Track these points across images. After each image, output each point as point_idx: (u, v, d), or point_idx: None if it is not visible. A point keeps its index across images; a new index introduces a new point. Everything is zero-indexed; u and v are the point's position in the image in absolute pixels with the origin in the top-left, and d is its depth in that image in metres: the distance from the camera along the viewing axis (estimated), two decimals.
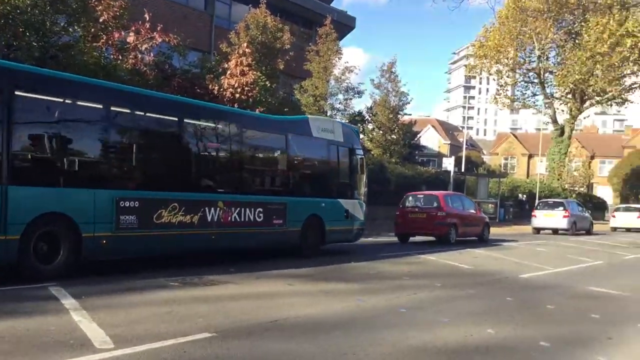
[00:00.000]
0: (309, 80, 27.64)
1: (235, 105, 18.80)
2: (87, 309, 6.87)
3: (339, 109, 28.11)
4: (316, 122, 15.18)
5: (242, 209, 12.22)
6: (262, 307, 7.62)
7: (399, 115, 42.06)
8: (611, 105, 47.42)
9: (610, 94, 43.45)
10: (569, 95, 45.04)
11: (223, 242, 11.81)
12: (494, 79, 49.79)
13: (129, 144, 10.63)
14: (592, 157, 76.22)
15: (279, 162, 13.94)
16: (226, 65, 19.23)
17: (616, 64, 40.12)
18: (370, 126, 39.79)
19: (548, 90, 46.01)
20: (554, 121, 46.62)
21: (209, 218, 11.44)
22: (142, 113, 10.80)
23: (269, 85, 20.71)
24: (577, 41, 42.11)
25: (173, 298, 7.93)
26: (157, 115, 11.09)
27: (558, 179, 46.63)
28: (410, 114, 46.29)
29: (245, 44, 19.57)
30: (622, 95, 44.91)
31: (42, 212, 8.81)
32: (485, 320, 7.63)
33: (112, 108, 10.14)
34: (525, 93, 48.06)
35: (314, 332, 6.52)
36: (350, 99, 29.63)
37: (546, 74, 45.50)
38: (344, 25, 38.50)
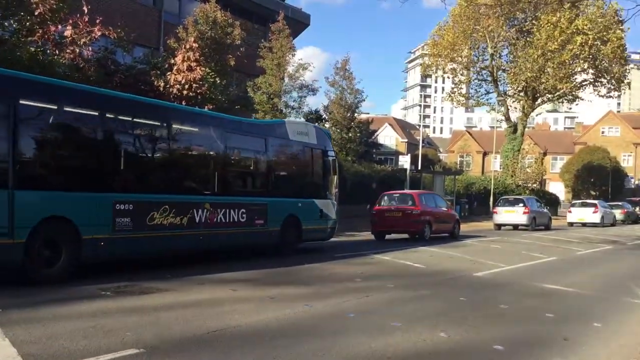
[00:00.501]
0: (262, 78, 27.04)
1: (183, 103, 18.09)
2: (2, 324, 6.20)
3: (293, 107, 27.64)
4: (292, 126, 15.81)
5: (227, 210, 12.66)
6: (200, 317, 7.07)
7: (355, 114, 41.89)
8: (562, 102, 48.33)
9: (561, 91, 44.10)
10: (522, 93, 45.55)
11: (210, 241, 12.27)
12: (448, 77, 50.07)
13: (123, 149, 10.85)
14: (545, 154, 77.52)
15: (260, 164, 14.40)
16: (173, 61, 18.49)
17: (567, 61, 40.72)
18: (327, 125, 39.48)
19: (501, 88, 46.50)
20: (507, 119, 47.10)
21: (197, 219, 11.82)
22: (132, 119, 11.10)
23: (218, 81, 20.03)
24: (528, 39, 42.57)
25: (102, 309, 7.29)
26: (147, 121, 11.46)
27: (512, 176, 47.13)
28: (367, 113, 46.41)
29: (192, 39, 18.83)
30: (573, 93, 45.65)
31: (45, 216, 8.99)
32: (438, 323, 7.27)
33: (107, 115, 10.49)
34: (479, 91, 48.44)
35: (254, 343, 6.02)
36: (305, 96, 29.20)
37: (499, 72, 45.89)
38: (299, 22, 37.99)
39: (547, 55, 40.45)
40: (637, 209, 48.72)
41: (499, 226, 29.62)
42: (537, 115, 50.84)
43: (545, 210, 32.56)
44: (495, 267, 13.54)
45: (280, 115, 27.18)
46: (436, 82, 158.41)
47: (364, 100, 38.10)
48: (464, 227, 29.44)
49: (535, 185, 54.58)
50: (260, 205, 13.68)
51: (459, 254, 16.10)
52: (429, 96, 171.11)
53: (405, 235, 20.68)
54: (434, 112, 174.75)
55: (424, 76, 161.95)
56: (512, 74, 44.00)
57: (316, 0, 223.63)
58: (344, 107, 36.00)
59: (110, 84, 17.05)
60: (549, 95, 45.68)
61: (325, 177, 16.22)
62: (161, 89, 17.81)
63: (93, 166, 10.26)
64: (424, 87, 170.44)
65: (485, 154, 77.57)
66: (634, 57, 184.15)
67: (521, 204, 29.31)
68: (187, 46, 18.49)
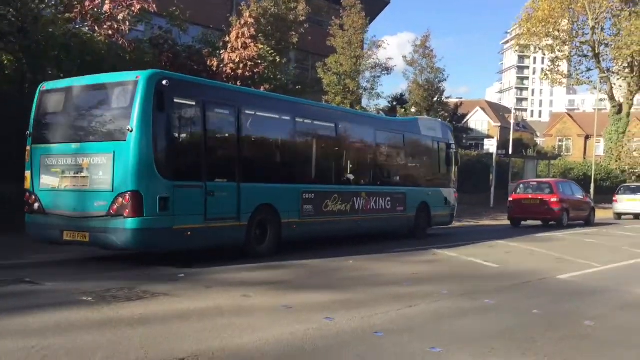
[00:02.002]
0: (333, 57, 25.36)
1: (238, 83, 16.82)
2: None
3: (365, 88, 25.71)
4: (423, 122, 17.70)
5: (377, 198, 14.50)
6: (181, 335, 5.58)
7: (437, 95, 39.25)
8: None
9: None
10: (627, 70, 41.33)
11: (364, 226, 14.09)
12: (544, 55, 46.27)
13: (308, 147, 12.96)
14: None
15: (400, 157, 16.20)
16: (227, 39, 17.21)
17: None
18: (413, 109, 37.34)
19: (604, 65, 42.39)
20: (611, 98, 42.97)
21: (356, 206, 13.70)
22: (313, 122, 13.21)
23: (278, 60, 18.60)
24: (634, 9, 38.38)
25: (66, 321, 5.96)
26: (323, 123, 13.55)
27: (616, 161, 43.00)
28: (460, 98, 43.18)
29: (247, 14, 17.45)
30: None
31: (259, 204, 10.95)
32: (495, 349, 5.46)
33: (297, 119, 12.56)
34: (579, 68, 44.50)
35: None
36: (378, 76, 27.21)
37: (601, 47, 41.87)
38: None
39: None
40: None
41: (619, 215, 28.36)
42: None
43: None
44: (585, 267, 11.32)
45: (352, 97, 25.46)
46: (534, 62, 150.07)
47: (445, 80, 35.54)
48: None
49: None
50: (400, 194, 15.44)
51: (544, 250, 13.85)
52: (527, 78, 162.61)
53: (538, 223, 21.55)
54: (532, 94, 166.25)
55: (521, 57, 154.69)
56: (616, 49, 39.96)
57: None
58: (423, 87, 33.62)
59: (160, 63, 16.03)
60: None
61: (449, 168, 17.81)
62: (214, 68, 16.57)
63: (287, 163, 12.37)
64: (521, 68, 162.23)
65: (587, 138, 71.94)
66: None
67: None
68: (242, 22, 17.12)
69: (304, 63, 29.97)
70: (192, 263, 9.87)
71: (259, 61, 17.96)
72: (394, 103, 37.11)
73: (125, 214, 8.98)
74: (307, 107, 14.14)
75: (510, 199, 22.31)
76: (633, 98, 42.79)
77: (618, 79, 43.01)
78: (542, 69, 47.47)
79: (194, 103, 10.22)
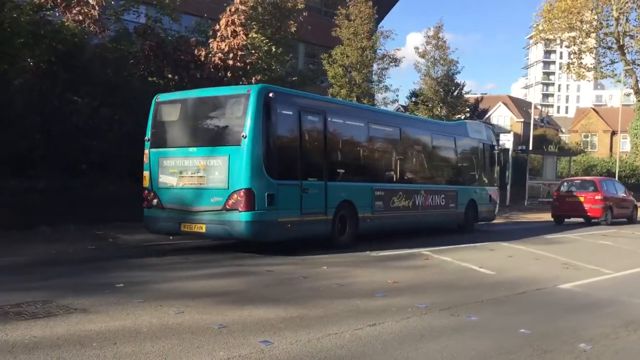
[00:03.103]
0: (338, 48, 24.21)
1: (228, 74, 15.86)
2: None
3: (372, 81, 24.41)
4: (470, 125, 19.15)
5: (434, 196, 15.91)
6: None
7: (460, 90, 37.82)
8: None
9: None
10: None
11: (423, 220, 15.61)
12: (567, 47, 44.49)
13: (378, 149, 14.40)
14: None
15: (451, 158, 17.62)
16: (218, 27, 16.22)
17: None
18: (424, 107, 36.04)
19: (629, 57, 40.47)
20: (637, 92, 41.05)
21: (417, 202, 15.12)
22: (382, 127, 14.67)
23: (274, 50, 17.57)
24: None
25: None
26: (389, 128, 14.92)
27: None
28: (485, 93, 41.47)
29: (239, 0, 16.40)
30: None
31: (341, 200, 12.31)
32: None
33: (370, 125, 14.02)
34: (603, 61, 42.65)
35: None
36: (386, 68, 25.91)
37: (626, 38, 39.97)
38: None
39: None
40: None
41: None
42: None
43: None
44: (593, 274, 10.13)
45: (358, 90, 24.33)
46: (561, 57, 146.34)
47: (459, 72, 34.10)
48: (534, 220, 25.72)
49: None
50: (453, 191, 16.83)
51: (552, 253, 12.59)
52: (553, 73, 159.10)
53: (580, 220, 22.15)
54: (559, 90, 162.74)
55: (547, 52, 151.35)
56: None
57: None
58: (436, 80, 32.24)
59: (143, 53, 15.14)
60: None
61: (492, 168, 19.20)
62: (202, 58, 15.61)
63: (362, 163, 13.81)
64: (547, 63, 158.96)
65: (614, 134, 69.63)
66: None
67: None
68: (232, 8, 16.11)
69: (313, 57, 28.84)
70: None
71: (253, 51, 16.99)
72: (413, 98, 35.83)
73: (240, 208, 10.43)
74: (377, 113, 17.11)
75: (554, 196, 23.22)
76: None
77: None
78: (567, 63, 45.47)
79: (291, 112, 11.61)
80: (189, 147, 11.24)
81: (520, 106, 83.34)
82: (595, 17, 40.06)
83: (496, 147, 19.70)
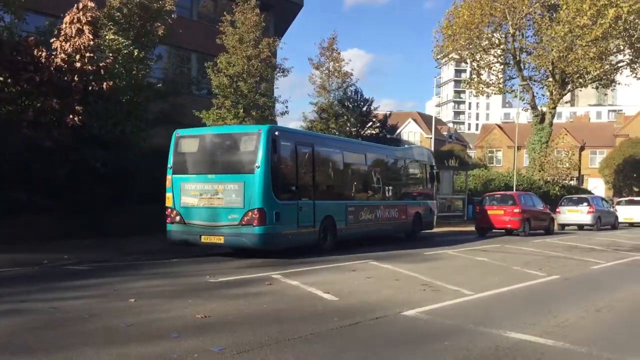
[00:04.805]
0: (223, 57, 22.80)
1: (75, 77, 14.13)
2: None
3: (257, 92, 23.00)
4: (416, 149, 24.48)
5: (390, 210, 18.82)
6: None
7: (367, 104, 37.12)
8: (597, 87, 42.71)
9: (594, 73, 38.77)
10: (550, 78, 40.32)
11: (382, 229, 18.46)
12: (465, 62, 45.03)
13: (349, 172, 17.15)
14: (583, 148, 71.54)
15: (402, 178, 21.07)
16: (62, 25, 14.49)
17: (598, 38, 35.41)
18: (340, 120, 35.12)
19: (525, 73, 41.28)
20: (533, 107, 41.90)
21: (378, 215, 17.86)
22: (352, 153, 17.37)
23: (136, 54, 15.99)
24: (554, 15, 37.42)
25: None
26: (357, 154, 17.66)
27: (539, 171, 41.90)
28: (390, 111, 41.12)
29: None
30: (608, 76, 40.24)
31: (325, 215, 14.91)
32: None
33: (345, 153, 16.83)
34: (502, 77, 43.34)
35: None
36: (274, 78, 24.52)
37: (523, 55, 40.77)
38: (291, 2, 33.86)
39: (576, 32, 35.29)
40: None
41: (562, 226, 28.94)
42: (566, 102, 45.87)
43: (611, 209, 31.63)
44: (451, 296, 9.11)
45: (243, 101, 22.98)
46: (470, 76, 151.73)
47: (354, 85, 33.61)
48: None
49: (569, 181, 49.08)
50: (404, 205, 19.89)
51: (417, 272, 11.48)
52: (463, 91, 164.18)
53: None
54: (469, 107, 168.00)
55: (457, 71, 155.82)
56: (536, 56, 38.91)
57: (359, 2, 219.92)
58: (328, 91, 31.37)
59: None
60: (580, 80, 40.25)
61: (432, 185, 22.33)
62: (42, 59, 13.82)
63: (338, 184, 16.60)
64: (457, 82, 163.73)
65: (518, 149, 71.68)
66: None
67: (585, 203, 28.72)
68: (81, 5, 14.42)
69: (185, 61, 27.34)
70: None
71: (111, 54, 15.35)
72: (322, 115, 34.70)
73: (254, 224, 12.95)
74: (349, 143, 20.50)
75: (477, 209, 24.60)
76: (555, 107, 41.78)
77: (541, 88, 42.10)
78: (467, 79, 46.08)
79: (290, 146, 14.24)
80: (208, 174, 13.66)
81: (430, 122, 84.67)
82: (492, 33, 40.63)
83: (435, 167, 22.64)
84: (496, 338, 6.67)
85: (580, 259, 15.00)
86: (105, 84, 14.32)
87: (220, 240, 13.32)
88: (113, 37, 15.67)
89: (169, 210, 13.86)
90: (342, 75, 31.77)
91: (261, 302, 8.30)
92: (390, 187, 19.19)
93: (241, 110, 23.30)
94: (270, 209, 13.03)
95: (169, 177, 13.93)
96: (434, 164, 22.68)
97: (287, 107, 24.52)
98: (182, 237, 13.79)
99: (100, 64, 14.71)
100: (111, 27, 15.99)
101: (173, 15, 18.13)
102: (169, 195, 13.90)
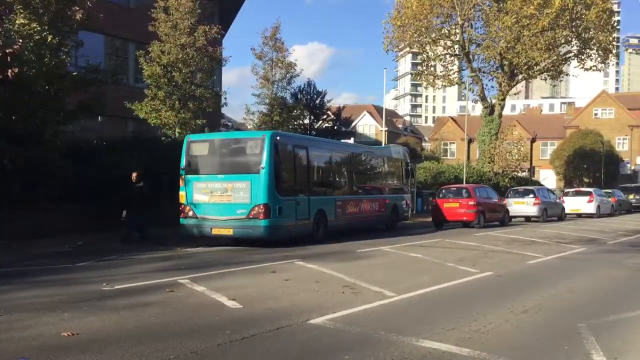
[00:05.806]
0: (156, 45, 21.64)
1: None
2: None
3: (194, 82, 21.92)
4: (393, 148, 25.40)
5: (371, 203, 20.67)
6: None
7: (320, 97, 36.28)
8: (545, 79, 42.65)
9: (542, 65, 38.75)
10: (499, 70, 40.16)
11: (365, 221, 20.36)
12: (415, 53, 44.58)
13: (337, 170, 19.31)
14: (534, 139, 72.33)
15: (382, 174, 22.68)
16: None
17: (545, 29, 35.35)
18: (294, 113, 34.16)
19: (475, 64, 40.99)
20: (483, 99, 41.63)
21: (361, 209, 19.84)
22: (338, 154, 19.66)
23: (50, 39, 14.80)
24: (502, 5, 37.19)
25: None
26: (341, 154, 19.85)
27: (489, 163, 41.78)
28: (345, 104, 40.47)
29: None
30: (556, 67, 40.29)
31: (318, 209, 16.84)
32: None
33: (334, 153, 19.29)
34: (452, 69, 43.01)
35: None
36: (212, 70, 23.39)
37: (472, 46, 40.48)
38: None
39: (523, 22, 35.13)
40: (632, 196, 43.26)
41: (510, 218, 28.05)
42: (515, 93, 46.00)
43: (558, 200, 31.71)
44: (371, 298, 8.40)
45: (178, 92, 21.91)
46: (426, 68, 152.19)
47: (298, 76, 32.69)
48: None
49: (519, 173, 49.21)
50: (383, 199, 21.59)
51: (342, 273, 10.66)
52: (420, 84, 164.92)
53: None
54: (426, 100, 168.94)
55: (414, 64, 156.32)
56: (485, 47, 38.66)
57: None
58: (271, 83, 30.45)
59: None
60: (529, 71, 40.20)
61: (408, 180, 24.26)
62: None
63: (328, 182, 18.68)
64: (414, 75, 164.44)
65: (470, 141, 72.02)
66: (633, 41, 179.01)
67: (531, 195, 28.73)
68: None
69: (119, 51, 26.13)
70: None
71: (20, 40, 14.16)
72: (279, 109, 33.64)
73: (260, 217, 14.67)
74: (336, 144, 22.99)
75: (433, 202, 24.90)
76: (504, 99, 41.68)
77: (490, 80, 41.92)
78: (417, 71, 45.66)
79: (289, 148, 16.17)
80: (218, 174, 15.42)
81: (385, 116, 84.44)
82: (442, 24, 40.26)
83: (410, 164, 24.57)
84: (405, 348, 5.97)
85: (518, 253, 14.51)
86: (10, 71, 13.13)
87: (229, 232, 15.02)
88: (24, 21, 14.43)
89: (183, 206, 15.56)
90: (285, 65, 30.88)
91: (150, 314, 7.36)
92: (372, 183, 21.51)
93: (177, 102, 22.23)
94: (274, 204, 14.73)
95: (182, 177, 15.66)
96: (408, 160, 24.51)
97: (225, 98, 23.43)
98: (194, 230, 15.45)
99: (7, 51, 13.49)
100: (20, 10, 14.72)
101: None
102: (182, 193, 15.61)
